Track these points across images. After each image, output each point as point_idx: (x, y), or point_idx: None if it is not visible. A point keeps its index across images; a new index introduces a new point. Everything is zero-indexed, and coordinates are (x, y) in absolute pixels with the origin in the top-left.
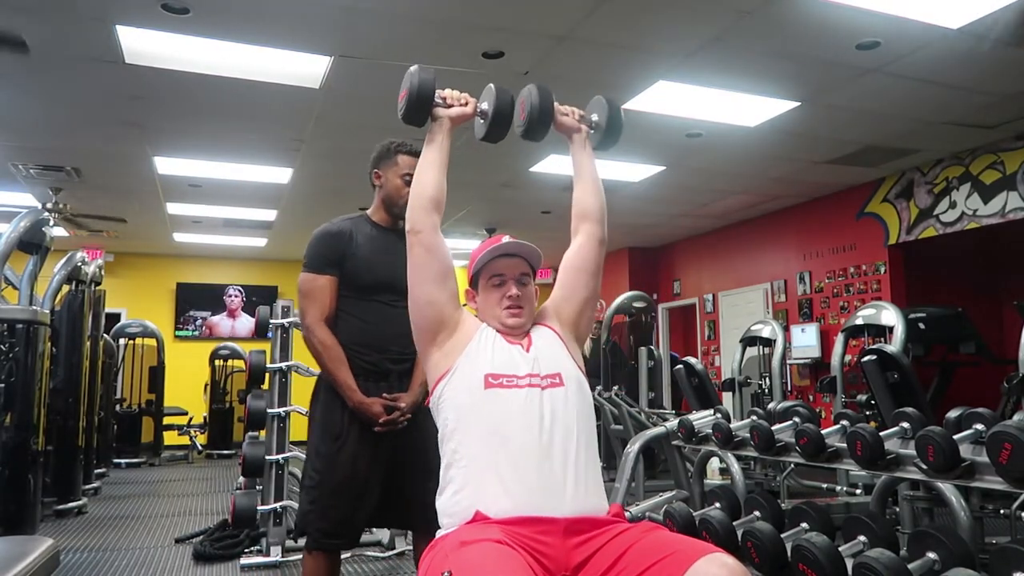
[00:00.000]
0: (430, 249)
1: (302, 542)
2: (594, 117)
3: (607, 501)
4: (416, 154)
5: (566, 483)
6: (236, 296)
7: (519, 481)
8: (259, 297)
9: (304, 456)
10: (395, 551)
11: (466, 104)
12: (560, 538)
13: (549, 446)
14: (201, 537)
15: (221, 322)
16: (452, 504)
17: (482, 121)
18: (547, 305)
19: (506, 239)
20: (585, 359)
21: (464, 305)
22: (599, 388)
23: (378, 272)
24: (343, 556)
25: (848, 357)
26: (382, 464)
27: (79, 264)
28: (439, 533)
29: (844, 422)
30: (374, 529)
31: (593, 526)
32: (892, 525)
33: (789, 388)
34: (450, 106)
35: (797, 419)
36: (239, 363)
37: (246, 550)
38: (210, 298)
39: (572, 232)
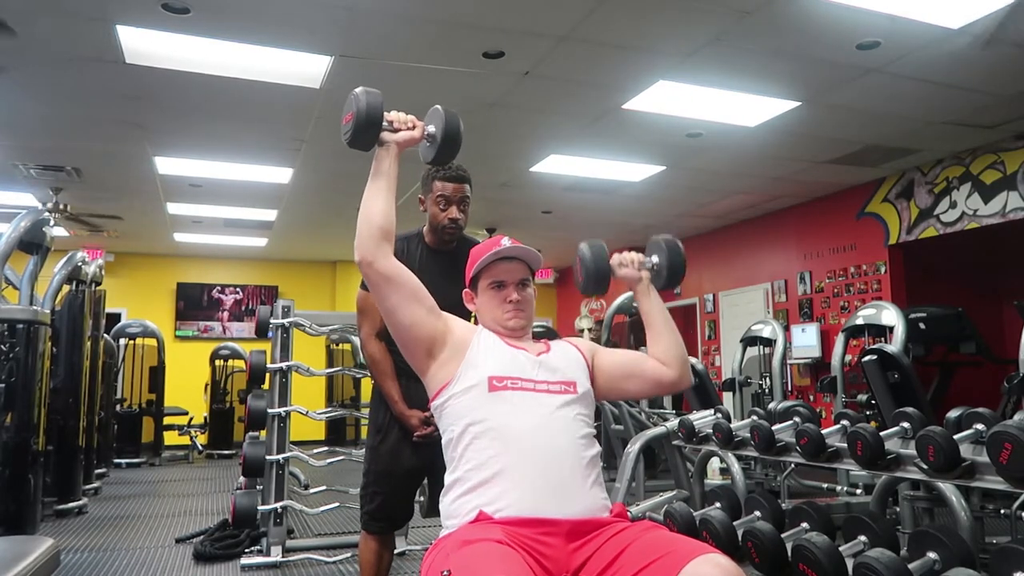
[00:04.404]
0: (388, 277)
1: (306, 541)
2: (654, 259)
3: (610, 502)
4: (452, 179)
5: (572, 485)
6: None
7: (524, 482)
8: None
9: (303, 456)
10: (396, 551)
11: (413, 127)
12: (562, 540)
13: (555, 448)
14: (201, 537)
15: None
16: (456, 507)
17: (429, 144)
18: (592, 347)
19: (505, 241)
20: None
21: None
22: None
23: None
24: (345, 556)
25: (848, 357)
26: (425, 460)
27: (79, 264)
28: (442, 533)
29: (844, 422)
30: None
31: (595, 527)
32: (892, 525)
33: (789, 388)
34: (397, 130)
35: (797, 419)
36: (239, 363)
37: (246, 550)
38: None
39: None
